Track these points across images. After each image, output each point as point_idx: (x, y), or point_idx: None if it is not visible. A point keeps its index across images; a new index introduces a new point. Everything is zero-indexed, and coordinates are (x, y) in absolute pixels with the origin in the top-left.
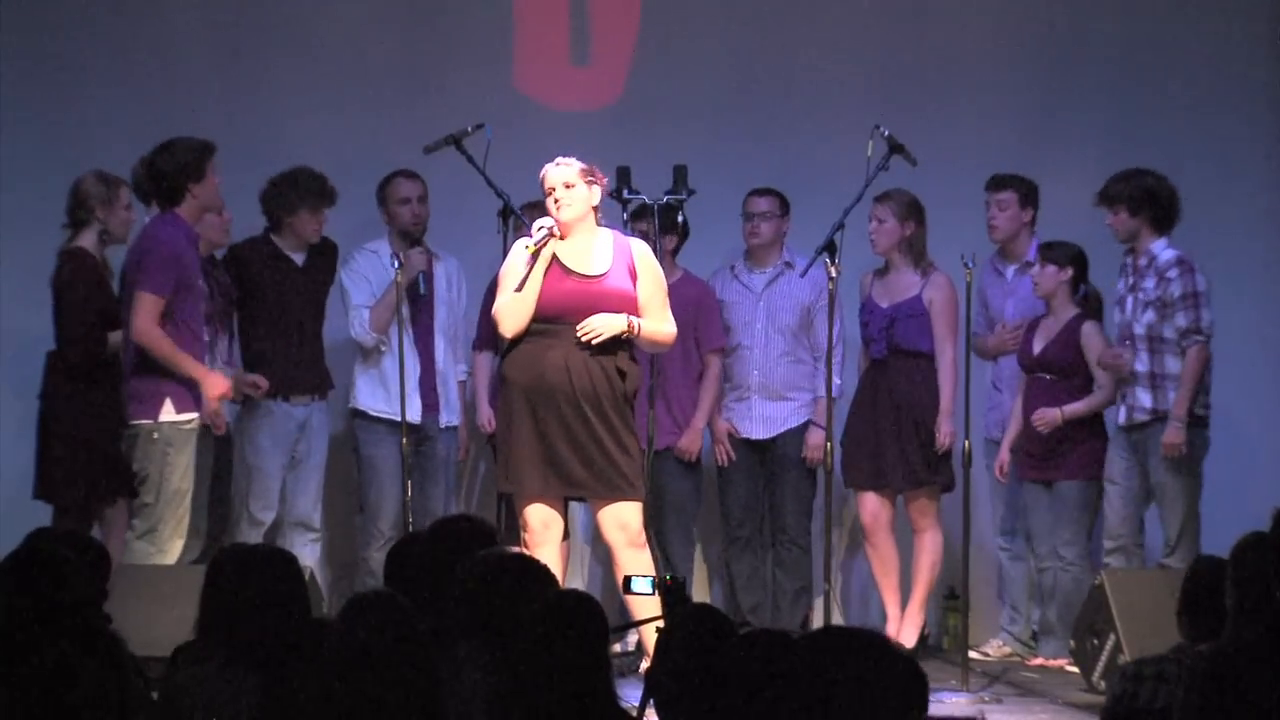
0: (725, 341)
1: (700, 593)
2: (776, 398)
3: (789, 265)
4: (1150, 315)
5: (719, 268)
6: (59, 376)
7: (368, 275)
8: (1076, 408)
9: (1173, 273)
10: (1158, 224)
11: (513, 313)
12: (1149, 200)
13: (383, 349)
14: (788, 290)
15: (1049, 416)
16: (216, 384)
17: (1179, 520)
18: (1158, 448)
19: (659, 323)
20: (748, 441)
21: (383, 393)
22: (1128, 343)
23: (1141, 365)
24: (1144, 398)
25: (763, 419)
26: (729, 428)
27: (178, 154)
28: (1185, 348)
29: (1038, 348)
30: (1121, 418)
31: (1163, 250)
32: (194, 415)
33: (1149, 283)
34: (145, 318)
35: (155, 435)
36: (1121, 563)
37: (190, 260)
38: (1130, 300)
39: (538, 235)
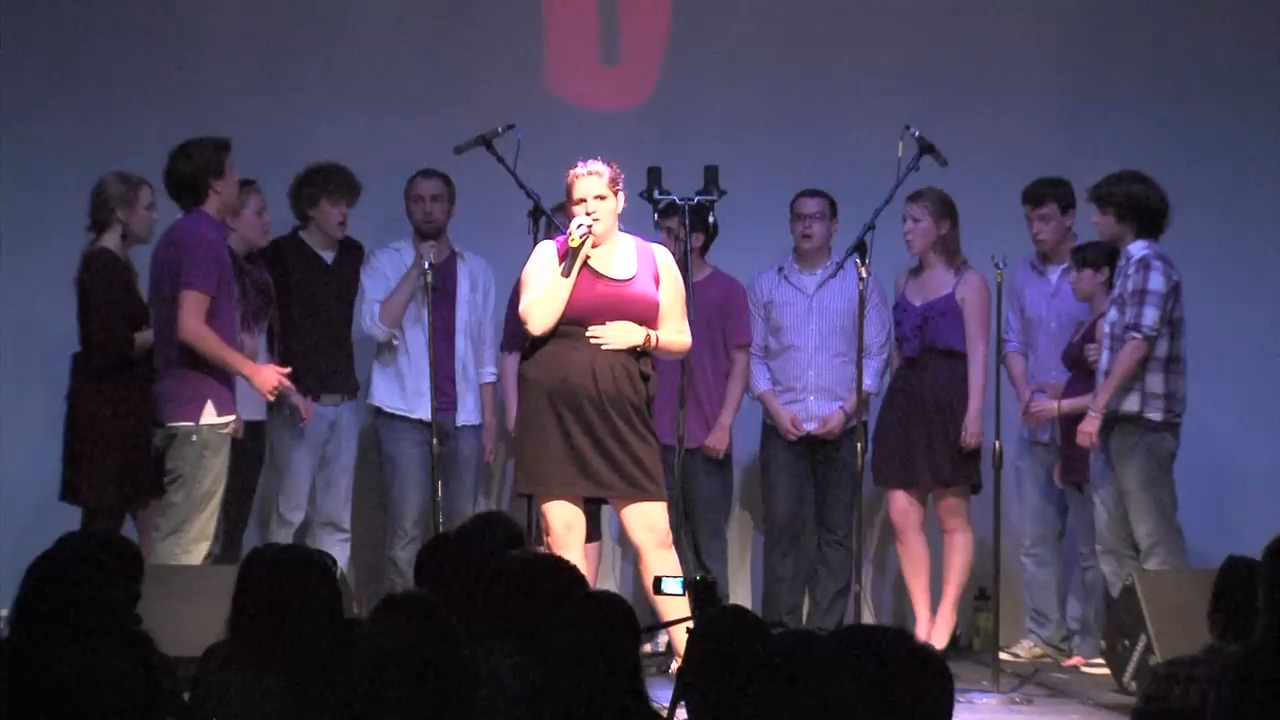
0: (752, 337)
1: (733, 591)
2: (833, 398)
3: (840, 266)
4: (1113, 313)
5: (766, 268)
6: (85, 378)
7: (386, 272)
8: (1075, 402)
9: (1132, 268)
10: (1142, 230)
11: (542, 311)
12: (1135, 208)
13: (395, 343)
14: (839, 290)
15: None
16: (267, 378)
17: (1148, 527)
18: (1119, 450)
19: (676, 332)
20: (796, 440)
21: (398, 390)
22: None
23: (1103, 363)
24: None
25: (820, 419)
26: (793, 415)
27: (197, 154)
28: (1124, 342)
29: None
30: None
31: (1139, 250)
32: (231, 418)
33: (1119, 280)
34: (194, 316)
35: (194, 438)
36: (1113, 567)
37: (226, 258)
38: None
39: (579, 231)
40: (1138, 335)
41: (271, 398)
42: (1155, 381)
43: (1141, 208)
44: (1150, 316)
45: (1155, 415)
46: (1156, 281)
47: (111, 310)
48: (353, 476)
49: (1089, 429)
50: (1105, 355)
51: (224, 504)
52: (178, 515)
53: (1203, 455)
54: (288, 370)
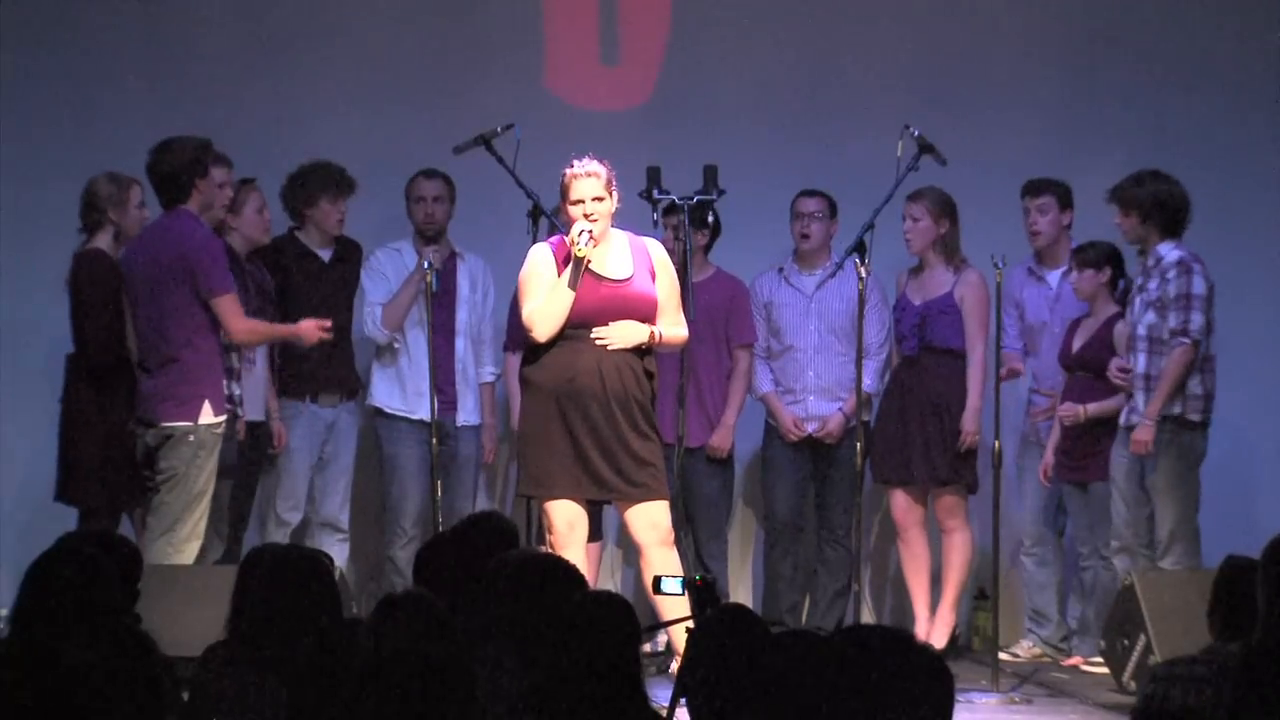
0: (755, 337)
1: (733, 590)
2: (833, 398)
3: (839, 267)
4: (1150, 316)
5: (766, 269)
6: (79, 378)
7: (386, 273)
8: (1102, 405)
9: (1171, 273)
10: (1167, 230)
11: (545, 319)
12: (1159, 209)
13: (396, 346)
14: (839, 291)
15: (1074, 412)
16: (310, 333)
17: (1169, 524)
18: (1153, 450)
19: (674, 325)
20: (798, 440)
21: (399, 391)
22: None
23: (1140, 366)
24: (1139, 399)
25: (820, 420)
26: (794, 417)
27: (180, 152)
28: (1172, 348)
29: (1077, 346)
30: (1124, 418)
31: (1169, 251)
32: (224, 418)
33: (1153, 284)
34: (237, 318)
35: (191, 437)
36: (1126, 565)
37: None
38: (1138, 301)
39: (584, 239)
40: (1186, 340)
41: (314, 342)
42: (1193, 383)
43: (1166, 208)
44: (1197, 321)
45: (1195, 416)
46: (1199, 285)
47: (104, 311)
48: (352, 477)
49: (1144, 437)
50: (1143, 359)
51: (226, 504)
52: (170, 515)
53: (1208, 454)
54: (327, 323)
